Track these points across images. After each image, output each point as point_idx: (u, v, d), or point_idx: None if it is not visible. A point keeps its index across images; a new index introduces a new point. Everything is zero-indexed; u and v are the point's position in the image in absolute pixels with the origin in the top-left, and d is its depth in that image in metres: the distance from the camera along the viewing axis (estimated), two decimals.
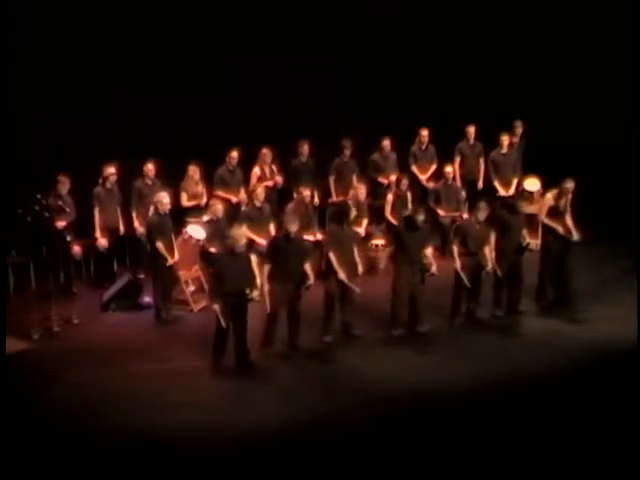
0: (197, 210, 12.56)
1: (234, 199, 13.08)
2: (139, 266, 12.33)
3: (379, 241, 12.99)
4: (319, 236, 12.45)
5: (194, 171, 12.72)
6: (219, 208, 11.80)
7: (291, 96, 14.30)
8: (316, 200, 13.30)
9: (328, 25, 14.80)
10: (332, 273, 10.40)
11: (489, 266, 10.85)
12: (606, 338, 10.46)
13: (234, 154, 13.11)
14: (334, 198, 13.69)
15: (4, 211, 11.05)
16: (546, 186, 12.17)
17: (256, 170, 13.35)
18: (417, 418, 8.77)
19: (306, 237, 12.25)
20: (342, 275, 10.36)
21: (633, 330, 10.05)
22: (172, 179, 12.65)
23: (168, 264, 11.17)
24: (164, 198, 11.25)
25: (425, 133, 14.25)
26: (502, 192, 13.97)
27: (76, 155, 12.61)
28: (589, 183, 11.88)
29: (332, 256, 10.38)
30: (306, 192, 12.61)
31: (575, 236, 11.27)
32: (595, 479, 7.76)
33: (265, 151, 13.35)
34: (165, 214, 11.28)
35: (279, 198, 13.47)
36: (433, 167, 14.32)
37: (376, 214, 13.47)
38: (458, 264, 10.76)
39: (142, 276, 11.99)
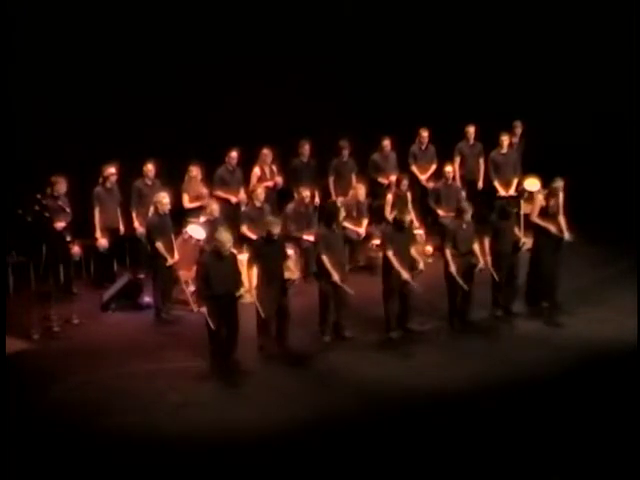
0: (201, 211, 12.51)
1: (234, 199, 13.08)
2: (139, 266, 12.32)
3: (379, 241, 12.97)
4: None
5: (197, 172, 12.71)
6: (215, 208, 11.80)
7: (291, 96, 14.30)
8: (316, 200, 13.31)
9: (328, 25, 14.81)
10: (325, 275, 10.42)
11: (480, 262, 10.86)
12: (606, 338, 10.45)
13: (234, 154, 13.11)
14: (334, 198, 13.69)
15: (4, 211, 11.06)
16: (546, 186, 12.16)
17: (256, 170, 13.36)
18: (417, 418, 8.76)
19: (306, 237, 12.30)
20: (336, 277, 10.38)
21: (632, 330, 10.05)
22: (172, 179, 12.65)
23: (168, 264, 11.18)
24: (164, 198, 11.26)
25: (425, 134, 14.24)
26: (502, 192, 13.95)
27: (76, 155, 12.63)
28: (589, 183, 11.87)
29: (324, 258, 10.40)
30: (306, 192, 12.61)
31: (567, 236, 11.24)
32: (594, 478, 7.77)
33: (265, 151, 13.35)
34: (165, 214, 11.29)
35: (279, 198, 13.47)
36: (433, 167, 14.31)
37: (376, 214, 13.47)
38: (453, 267, 10.77)
39: (142, 276, 12.00)
